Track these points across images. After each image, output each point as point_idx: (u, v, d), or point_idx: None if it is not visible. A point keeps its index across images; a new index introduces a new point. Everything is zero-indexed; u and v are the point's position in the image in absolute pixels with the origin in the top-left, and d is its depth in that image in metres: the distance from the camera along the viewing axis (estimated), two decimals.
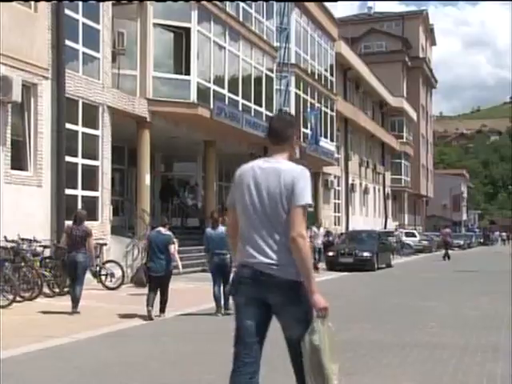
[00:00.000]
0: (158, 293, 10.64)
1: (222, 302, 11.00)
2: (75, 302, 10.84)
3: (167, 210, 25.34)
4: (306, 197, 3.68)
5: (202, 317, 10.93)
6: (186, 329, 9.48)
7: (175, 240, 10.97)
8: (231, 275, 9.79)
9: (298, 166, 3.84)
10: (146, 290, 13.29)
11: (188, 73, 20.82)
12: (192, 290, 14.85)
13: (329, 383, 3.66)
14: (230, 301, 11.31)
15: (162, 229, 10.88)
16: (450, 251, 33.61)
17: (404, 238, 39.00)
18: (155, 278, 10.48)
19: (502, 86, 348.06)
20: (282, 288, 3.67)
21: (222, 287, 11.03)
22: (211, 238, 11.07)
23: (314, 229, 24.06)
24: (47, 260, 13.74)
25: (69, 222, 12.29)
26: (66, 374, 6.31)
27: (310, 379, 3.72)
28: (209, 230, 11.40)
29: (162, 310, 10.62)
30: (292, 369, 3.94)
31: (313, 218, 34.49)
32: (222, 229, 10.96)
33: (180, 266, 11.25)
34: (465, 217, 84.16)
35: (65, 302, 12.16)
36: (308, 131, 31.12)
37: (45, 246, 13.93)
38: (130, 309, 11.49)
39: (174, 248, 10.72)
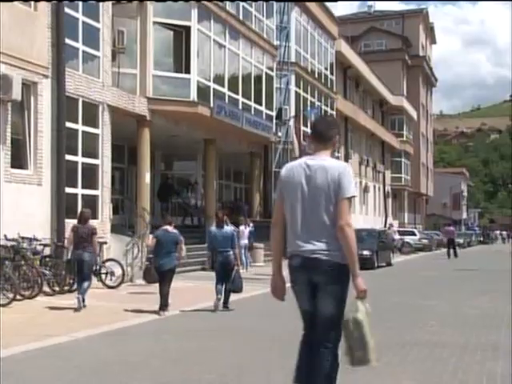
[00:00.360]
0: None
1: (222, 301, 11.26)
2: (82, 298, 11.07)
3: (167, 208, 25.33)
4: (351, 190, 4.18)
5: (202, 315, 10.93)
6: (186, 327, 9.48)
7: (182, 238, 11.29)
8: (233, 272, 10.43)
9: (342, 162, 4.43)
10: (146, 289, 13.35)
11: (188, 71, 20.81)
12: (192, 289, 14.86)
13: (369, 355, 4.23)
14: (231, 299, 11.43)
15: (168, 227, 11.17)
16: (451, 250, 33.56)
17: (397, 237, 38.31)
18: (162, 273, 10.83)
19: (502, 84, 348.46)
20: (327, 269, 4.16)
21: (224, 285, 11.34)
22: (215, 237, 11.38)
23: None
24: (47, 258, 13.75)
25: (70, 221, 12.30)
26: (66, 373, 6.31)
27: (350, 352, 4.26)
28: (213, 229, 11.78)
29: (165, 305, 10.83)
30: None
31: None
32: (226, 228, 11.53)
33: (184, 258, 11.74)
34: (465, 215, 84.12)
35: (65, 301, 12.18)
36: (308, 130, 31.13)
37: (45, 245, 13.93)
38: (130, 307, 11.49)
39: (182, 246, 11.19)
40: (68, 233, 12.45)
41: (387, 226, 42.53)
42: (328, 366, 4.25)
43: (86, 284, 11.27)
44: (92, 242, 11.45)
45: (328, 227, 4.16)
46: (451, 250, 33.37)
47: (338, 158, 37.80)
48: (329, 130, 4.42)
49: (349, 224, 4.12)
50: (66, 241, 12.13)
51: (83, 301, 11.05)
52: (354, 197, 4.24)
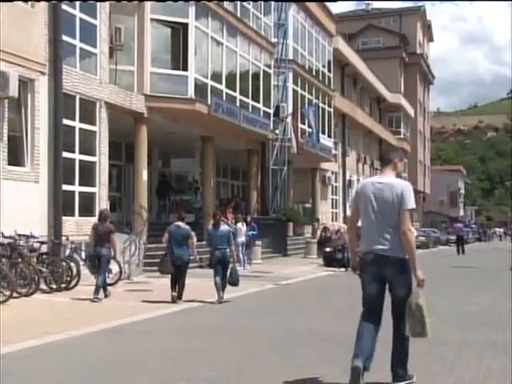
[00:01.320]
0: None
1: (221, 290, 12.11)
2: (97, 289, 12.10)
3: (164, 205, 25.30)
4: (410, 203, 5.39)
5: (200, 313, 10.94)
6: (185, 325, 9.47)
7: (193, 233, 12.46)
8: (230, 266, 11.50)
9: (404, 181, 5.58)
10: (141, 286, 13.39)
11: (186, 68, 20.78)
12: (189, 286, 14.84)
13: (426, 331, 5.47)
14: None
15: (180, 223, 12.31)
16: (447, 247, 33.69)
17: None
18: (176, 267, 11.92)
19: (499, 82, 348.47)
20: (393, 263, 5.40)
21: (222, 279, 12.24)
22: (214, 236, 12.32)
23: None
24: (44, 256, 13.72)
25: (67, 218, 12.24)
26: (64, 371, 6.30)
27: (412, 328, 5.43)
28: (210, 228, 12.66)
29: (180, 296, 11.93)
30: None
31: (311, 215, 34.58)
32: (223, 227, 12.46)
33: (197, 257, 12.64)
34: (462, 213, 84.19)
35: (62, 298, 12.17)
36: (306, 127, 31.12)
37: (42, 242, 13.90)
38: (127, 305, 11.49)
39: (193, 241, 12.35)
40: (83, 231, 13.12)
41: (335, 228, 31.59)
42: (403, 341, 5.59)
43: (100, 278, 12.27)
44: (110, 240, 12.46)
45: (393, 231, 5.38)
46: (460, 247, 33.70)
47: (335, 155, 37.85)
48: (388, 153, 5.78)
49: (410, 229, 5.36)
50: (88, 237, 13.30)
51: (104, 290, 12.39)
52: (413, 209, 5.41)
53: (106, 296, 12.37)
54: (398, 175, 5.63)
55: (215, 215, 12.86)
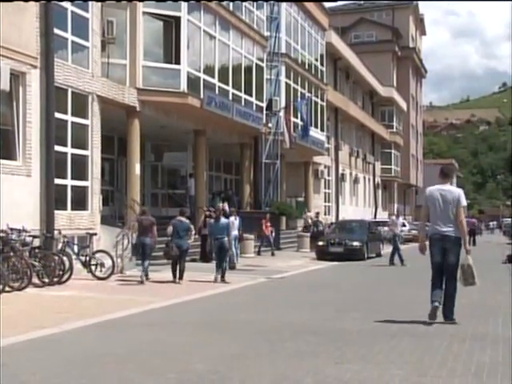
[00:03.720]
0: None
1: (220, 275, 14.62)
2: (146, 272, 14.30)
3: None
4: (463, 202, 8.60)
5: (192, 307, 10.96)
6: (177, 318, 9.48)
7: (192, 227, 15.13)
8: (228, 253, 15.63)
9: (458, 188, 9.00)
10: (135, 280, 13.45)
11: (178, 62, 20.74)
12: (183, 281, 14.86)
13: (475, 280, 8.71)
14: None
15: (182, 218, 14.77)
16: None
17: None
18: (180, 252, 14.35)
19: (491, 76, 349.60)
20: (452, 240, 8.55)
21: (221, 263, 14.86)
22: (215, 227, 15.32)
23: (393, 218, 23.72)
24: (36, 250, 13.70)
25: (59, 212, 12.14)
26: (56, 365, 6.30)
27: (465, 280, 8.74)
28: (212, 221, 16.13)
29: (181, 277, 14.31)
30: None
31: (302, 208, 34.63)
32: (222, 220, 15.36)
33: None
34: None
35: (54, 292, 12.16)
36: (298, 121, 31.13)
37: (34, 236, 13.87)
38: (120, 298, 11.49)
39: (191, 233, 14.90)
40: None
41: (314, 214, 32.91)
42: (453, 290, 8.67)
43: (145, 264, 14.36)
44: (151, 231, 14.65)
45: (452, 220, 8.54)
46: (471, 238, 34.49)
47: (328, 149, 37.86)
48: (448, 171, 9.24)
49: (463, 219, 8.58)
50: (134, 229, 16.17)
51: (146, 275, 14.27)
52: (465, 206, 8.66)
53: (143, 282, 13.97)
54: (452, 183, 9.37)
55: (216, 211, 16.57)
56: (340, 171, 43.27)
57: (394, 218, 23.69)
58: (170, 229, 14.51)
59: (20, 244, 13.22)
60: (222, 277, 14.56)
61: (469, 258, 8.59)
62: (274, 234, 26.19)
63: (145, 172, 24.76)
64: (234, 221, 21.96)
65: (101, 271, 14.87)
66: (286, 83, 30.95)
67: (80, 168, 16.77)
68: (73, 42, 16.53)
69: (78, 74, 16.55)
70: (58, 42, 15.65)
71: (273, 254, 24.57)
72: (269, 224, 25.58)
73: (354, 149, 47.14)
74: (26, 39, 14.64)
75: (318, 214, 32.54)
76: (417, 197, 71.00)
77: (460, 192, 8.68)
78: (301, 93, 32.57)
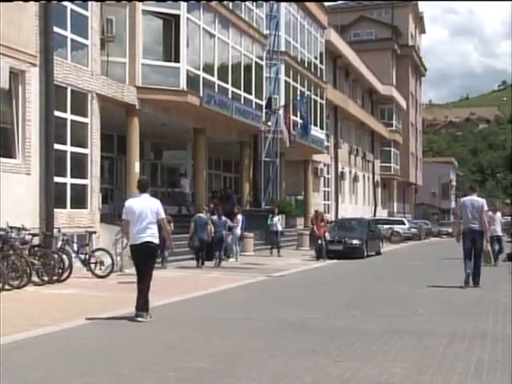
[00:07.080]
0: None
1: (218, 261, 18.56)
2: (220, 260, 18.83)
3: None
4: (485, 208, 13.22)
5: (192, 304, 10.96)
6: (176, 316, 9.49)
7: (209, 221, 18.52)
8: (224, 245, 20.24)
9: (482, 199, 13.47)
10: (133, 278, 13.53)
11: (177, 60, 20.72)
12: (183, 278, 14.86)
13: (492, 260, 15.13)
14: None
15: (201, 214, 18.77)
16: (438, 239, 33.78)
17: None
18: (201, 243, 18.03)
19: (491, 74, 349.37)
20: (478, 232, 13.05)
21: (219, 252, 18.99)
22: (217, 223, 18.95)
23: (490, 213, 18.26)
24: (36, 248, 13.69)
25: (59, 210, 12.13)
26: (55, 363, 6.31)
27: (486, 260, 13.94)
28: (214, 218, 19.14)
29: (203, 262, 17.92)
30: None
31: (302, 207, 34.63)
32: (223, 218, 19.38)
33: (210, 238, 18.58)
34: (453, 205, 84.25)
35: (54, 290, 12.17)
36: (298, 119, 31.11)
37: (33, 234, 13.86)
38: (119, 297, 11.49)
39: (211, 226, 18.41)
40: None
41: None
42: (479, 264, 13.01)
43: (217, 254, 18.70)
44: (206, 228, 18.19)
45: (478, 219, 12.91)
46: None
47: (327, 147, 37.82)
48: (475, 186, 14.44)
49: (485, 220, 13.14)
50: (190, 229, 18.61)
51: (219, 262, 18.61)
52: (486, 211, 13.42)
53: (217, 265, 18.09)
54: (479, 195, 13.52)
55: (218, 208, 19.82)
56: (339, 169, 43.25)
57: (490, 213, 18.27)
58: (192, 225, 17.98)
59: (20, 242, 13.21)
60: (219, 263, 18.47)
61: (488, 245, 13.60)
62: (326, 235, 22.61)
63: (144, 170, 24.74)
64: (239, 218, 21.92)
65: (100, 269, 14.86)
66: (286, 81, 30.93)
67: (79, 166, 16.77)
68: (72, 40, 16.52)
69: (78, 72, 16.54)
70: (58, 40, 15.63)
71: (279, 255, 23.62)
72: (322, 224, 22.84)
73: (353, 147, 47.13)
74: (26, 37, 14.62)
75: (316, 212, 32.30)
76: (416, 195, 71.15)
77: (483, 201, 13.11)
78: (300, 91, 32.55)
